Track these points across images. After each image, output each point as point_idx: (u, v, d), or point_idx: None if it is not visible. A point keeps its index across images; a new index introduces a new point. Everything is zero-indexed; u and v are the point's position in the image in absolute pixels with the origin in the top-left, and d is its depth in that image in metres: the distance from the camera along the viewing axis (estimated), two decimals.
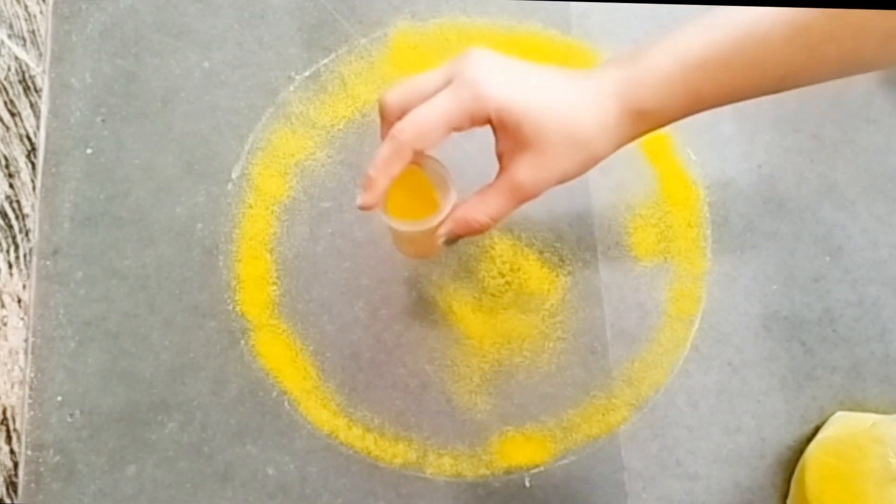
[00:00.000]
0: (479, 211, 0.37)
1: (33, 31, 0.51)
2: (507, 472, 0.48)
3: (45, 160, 0.51)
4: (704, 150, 0.53)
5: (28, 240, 0.49)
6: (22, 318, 0.48)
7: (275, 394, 0.48)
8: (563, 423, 0.49)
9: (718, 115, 0.54)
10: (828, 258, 0.52)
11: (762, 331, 0.51)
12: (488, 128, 0.37)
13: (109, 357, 0.48)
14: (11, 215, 0.48)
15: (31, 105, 0.51)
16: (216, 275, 0.50)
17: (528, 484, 0.48)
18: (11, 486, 0.45)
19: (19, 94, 0.49)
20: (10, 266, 0.47)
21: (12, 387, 0.46)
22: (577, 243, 0.51)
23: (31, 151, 0.50)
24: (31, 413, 0.47)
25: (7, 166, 0.47)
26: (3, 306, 0.46)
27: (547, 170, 0.36)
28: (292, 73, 0.54)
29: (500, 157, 0.38)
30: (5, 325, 0.46)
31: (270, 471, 0.47)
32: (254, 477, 0.47)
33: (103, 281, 0.50)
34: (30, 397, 0.48)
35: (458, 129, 0.36)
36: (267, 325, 0.49)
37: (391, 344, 0.49)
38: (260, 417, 0.48)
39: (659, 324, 0.50)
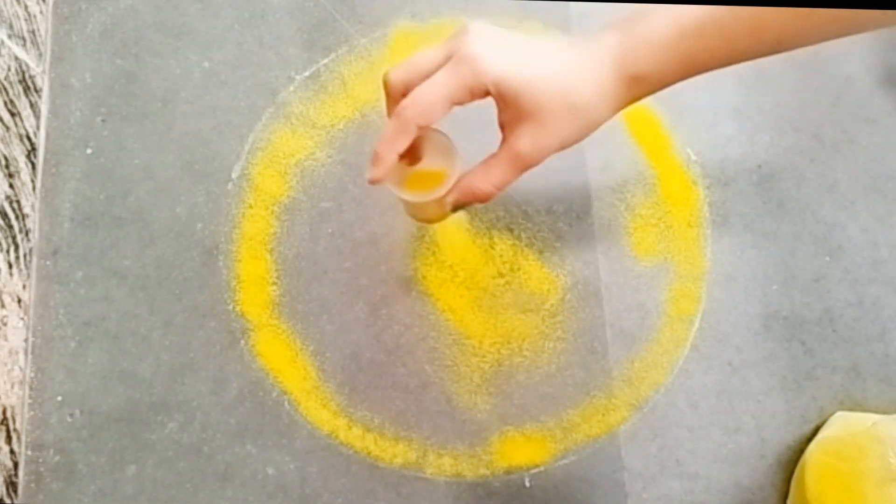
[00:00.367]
0: (483, 180, 0.39)
1: (33, 31, 0.51)
2: (507, 472, 0.48)
3: (45, 160, 0.51)
4: (704, 150, 0.53)
5: (28, 240, 0.49)
6: (22, 318, 0.48)
7: (275, 394, 0.48)
8: (563, 423, 0.49)
9: (718, 115, 0.54)
10: (828, 258, 0.52)
11: (762, 331, 0.51)
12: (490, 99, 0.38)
13: (109, 357, 0.48)
14: (11, 215, 0.48)
15: (31, 105, 0.51)
16: (216, 275, 0.50)
17: (528, 484, 0.48)
18: (11, 486, 0.45)
19: (19, 94, 0.49)
20: (10, 266, 0.47)
21: (12, 387, 0.46)
22: (577, 243, 0.51)
23: (31, 151, 0.50)
24: (31, 413, 0.47)
25: (7, 166, 0.47)
26: (3, 306, 0.46)
27: (547, 138, 0.37)
28: (292, 73, 0.54)
29: (502, 128, 0.39)
30: (5, 325, 0.46)
31: (270, 471, 0.47)
32: (254, 477, 0.47)
33: (103, 281, 0.50)
34: (30, 397, 0.48)
35: (459, 103, 0.37)
36: (267, 325, 0.49)
37: (391, 344, 0.49)
38: (260, 417, 0.48)
39: (659, 324, 0.50)
